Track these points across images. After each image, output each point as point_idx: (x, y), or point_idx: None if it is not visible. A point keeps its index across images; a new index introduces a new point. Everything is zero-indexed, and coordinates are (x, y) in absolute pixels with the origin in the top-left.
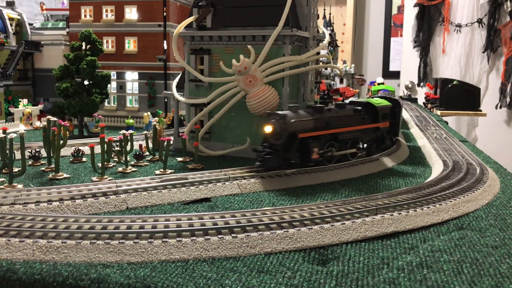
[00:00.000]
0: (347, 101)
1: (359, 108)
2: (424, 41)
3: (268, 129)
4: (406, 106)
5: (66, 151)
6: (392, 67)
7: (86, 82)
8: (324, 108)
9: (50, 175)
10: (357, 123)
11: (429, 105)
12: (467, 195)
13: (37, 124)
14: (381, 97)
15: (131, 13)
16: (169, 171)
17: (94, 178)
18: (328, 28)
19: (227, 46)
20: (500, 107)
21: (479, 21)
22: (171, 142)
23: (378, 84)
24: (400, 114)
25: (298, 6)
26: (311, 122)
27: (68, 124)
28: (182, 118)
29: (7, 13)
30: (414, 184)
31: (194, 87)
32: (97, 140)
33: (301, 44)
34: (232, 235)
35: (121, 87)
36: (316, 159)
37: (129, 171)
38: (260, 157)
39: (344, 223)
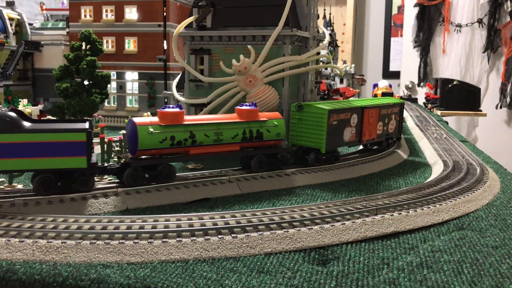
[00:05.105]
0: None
1: None
2: (424, 41)
3: None
4: (406, 106)
5: None
6: (392, 67)
7: (86, 82)
8: None
9: None
10: None
11: (429, 105)
12: (467, 195)
13: None
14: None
15: (131, 13)
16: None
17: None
18: (328, 28)
19: (227, 46)
20: (500, 107)
21: (479, 21)
22: None
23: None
24: None
25: (298, 6)
26: None
27: None
28: None
29: (7, 13)
30: (414, 184)
31: (194, 87)
32: (97, 140)
33: (301, 44)
34: (232, 235)
35: (121, 87)
36: None
37: None
38: None
39: (344, 223)
